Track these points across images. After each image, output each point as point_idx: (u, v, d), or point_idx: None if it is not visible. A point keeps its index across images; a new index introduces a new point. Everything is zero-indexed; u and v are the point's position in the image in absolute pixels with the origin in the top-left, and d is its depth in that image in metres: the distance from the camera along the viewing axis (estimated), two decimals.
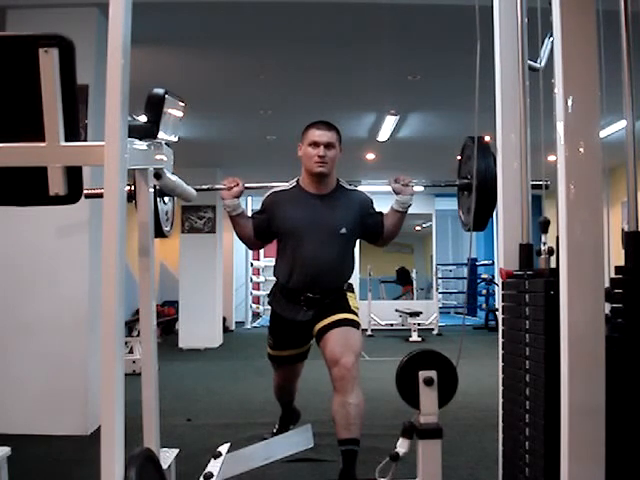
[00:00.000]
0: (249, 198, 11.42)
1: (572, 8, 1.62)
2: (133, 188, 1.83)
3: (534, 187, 2.10)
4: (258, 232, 2.82)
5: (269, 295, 2.98)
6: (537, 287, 1.78)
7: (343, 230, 2.72)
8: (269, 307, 2.98)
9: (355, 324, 2.70)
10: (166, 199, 2.50)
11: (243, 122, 6.27)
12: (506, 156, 2.19)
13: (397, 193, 2.74)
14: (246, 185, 2.76)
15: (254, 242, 2.88)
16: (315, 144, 2.70)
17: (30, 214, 2.91)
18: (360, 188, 2.95)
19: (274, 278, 2.91)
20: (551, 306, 1.67)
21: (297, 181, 2.84)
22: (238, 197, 2.76)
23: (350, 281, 2.88)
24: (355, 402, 2.49)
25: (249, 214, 2.99)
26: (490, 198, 2.36)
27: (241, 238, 2.86)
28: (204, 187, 2.72)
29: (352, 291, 2.85)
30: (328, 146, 2.70)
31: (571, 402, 1.56)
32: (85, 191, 2.28)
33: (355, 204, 2.80)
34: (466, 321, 8.90)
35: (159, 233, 2.25)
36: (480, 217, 2.44)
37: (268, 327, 2.98)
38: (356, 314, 2.74)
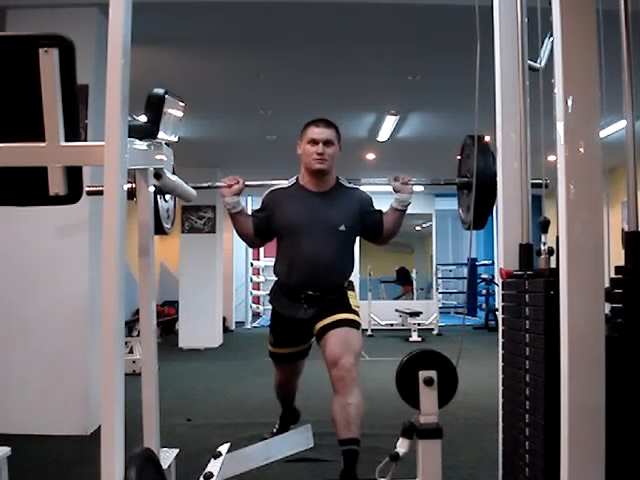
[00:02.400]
0: (249, 198, 11.43)
1: (572, 8, 1.62)
2: (133, 186, 1.83)
3: (534, 186, 2.10)
4: (258, 230, 2.82)
5: (270, 293, 2.99)
6: (537, 287, 1.78)
7: (342, 227, 2.72)
8: (270, 306, 2.98)
9: (355, 324, 2.70)
10: (167, 196, 2.50)
11: (243, 122, 6.27)
12: (506, 156, 2.19)
13: (396, 191, 2.75)
14: (246, 183, 2.77)
15: (254, 240, 2.88)
16: (314, 141, 2.70)
17: (30, 214, 2.90)
18: (360, 187, 2.95)
19: (274, 277, 2.92)
20: (551, 306, 1.67)
21: (296, 179, 2.84)
22: (238, 195, 2.77)
23: (350, 279, 2.87)
24: (355, 402, 2.49)
25: (249, 213, 3.00)
26: (489, 196, 2.37)
27: (241, 236, 2.87)
28: (204, 185, 2.73)
29: (352, 289, 2.84)
30: (327, 143, 2.70)
31: (571, 402, 1.56)
32: (87, 188, 2.29)
33: (354, 202, 2.80)
34: (466, 321, 8.90)
35: (160, 230, 2.24)
36: (479, 215, 2.44)
37: (269, 325, 2.98)
38: (357, 313, 2.74)
